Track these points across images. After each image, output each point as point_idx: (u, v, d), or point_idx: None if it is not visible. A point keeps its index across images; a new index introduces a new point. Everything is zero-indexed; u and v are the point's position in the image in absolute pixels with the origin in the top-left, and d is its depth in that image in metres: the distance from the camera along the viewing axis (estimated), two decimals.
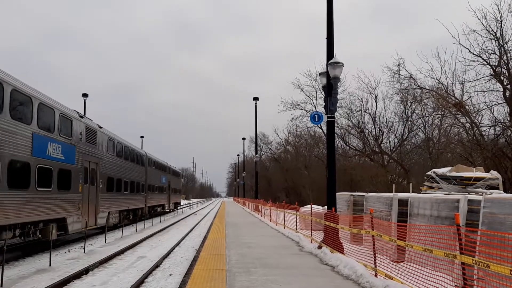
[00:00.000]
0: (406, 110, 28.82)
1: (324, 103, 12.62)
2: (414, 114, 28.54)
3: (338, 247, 10.72)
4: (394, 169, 30.37)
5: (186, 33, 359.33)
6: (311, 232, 14.56)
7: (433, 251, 6.10)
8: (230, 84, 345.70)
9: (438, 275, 6.09)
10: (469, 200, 8.21)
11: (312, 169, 40.06)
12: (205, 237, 16.35)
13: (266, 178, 58.45)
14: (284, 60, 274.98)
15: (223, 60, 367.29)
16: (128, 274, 10.64)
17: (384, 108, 32.71)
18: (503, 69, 19.33)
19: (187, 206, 62.97)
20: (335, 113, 12.71)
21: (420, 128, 28.92)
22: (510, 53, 18.86)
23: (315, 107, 34.66)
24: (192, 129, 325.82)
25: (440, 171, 12.03)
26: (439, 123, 27.06)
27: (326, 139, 13.41)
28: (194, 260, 10.82)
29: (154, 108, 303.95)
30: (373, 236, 8.31)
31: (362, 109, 31.43)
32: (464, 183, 11.10)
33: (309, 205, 17.02)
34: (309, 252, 11.88)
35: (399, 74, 24.51)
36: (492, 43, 19.16)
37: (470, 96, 21.44)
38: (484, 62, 19.45)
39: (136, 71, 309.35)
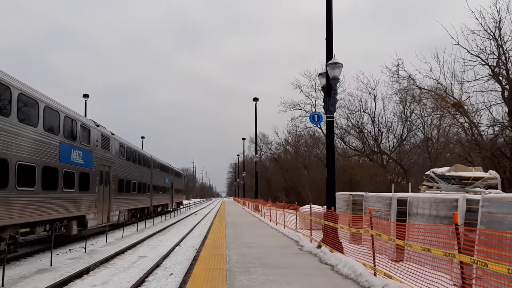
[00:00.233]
0: (405, 110, 28.90)
1: (323, 104, 12.67)
2: (413, 114, 28.63)
3: (337, 247, 10.77)
4: (393, 169, 30.43)
5: (186, 33, 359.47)
6: (311, 232, 14.61)
7: (431, 250, 6.15)
8: (230, 84, 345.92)
9: (437, 274, 6.14)
10: (467, 200, 8.26)
11: (312, 169, 40.10)
12: (205, 237, 16.40)
13: (266, 178, 58.49)
14: (284, 60, 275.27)
15: (223, 60, 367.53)
16: (128, 274, 10.69)
17: (383, 108, 32.71)
18: (501, 69, 19.41)
19: (187, 206, 63.00)
20: (335, 113, 12.77)
21: (419, 128, 29.01)
22: (508, 53, 18.93)
23: (314, 107, 34.70)
24: (192, 129, 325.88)
25: (439, 170, 12.09)
26: (438, 123, 27.16)
27: (326, 139, 13.46)
28: (195, 259, 10.87)
29: (154, 108, 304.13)
30: (372, 235, 8.36)
31: (361, 109, 31.52)
32: (463, 183, 11.15)
33: (309, 205, 17.07)
34: (308, 251, 11.93)
35: (398, 74, 24.59)
36: (490, 44, 19.26)
37: (469, 96, 21.54)
38: (483, 63, 19.53)
39: (136, 71, 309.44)
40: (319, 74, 13.45)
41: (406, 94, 26.80)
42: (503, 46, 18.90)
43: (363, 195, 14.07)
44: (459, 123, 22.82)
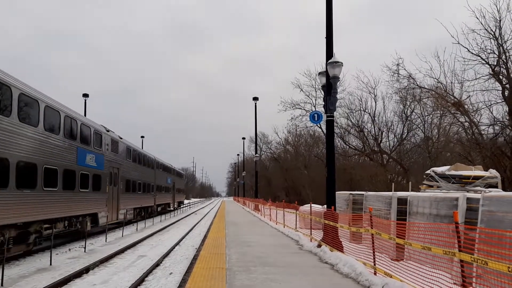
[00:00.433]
0: (405, 110, 28.90)
1: (323, 103, 12.65)
2: (413, 113, 28.62)
3: (337, 246, 10.75)
4: (394, 168, 30.42)
5: (186, 33, 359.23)
6: (311, 231, 14.60)
7: (432, 249, 6.13)
8: (230, 84, 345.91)
9: (437, 273, 6.12)
10: (468, 199, 8.25)
11: (312, 169, 40.11)
12: (205, 236, 16.39)
13: (266, 178, 58.52)
14: (284, 59, 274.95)
15: (223, 60, 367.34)
16: (128, 273, 10.67)
17: (384, 107, 32.89)
18: (501, 68, 19.39)
19: (187, 206, 63.01)
20: (335, 113, 12.75)
21: (419, 127, 29.01)
22: (508, 52, 18.92)
23: (314, 106, 34.68)
24: (192, 129, 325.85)
25: (439, 170, 12.08)
26: (438, 122, 27.14)
27: (326, 138, 13.44)
28: (194, 258, 10.85)
29: (154, 108, 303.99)
30: (372, 234, 8.35)
31: (362, 109, 31.52)
32: (463, 182, 11.14)
33: (309, 204, 17.06)
34: (308, 250, 11.92)
35: (398, 73, 24.58)
36: (491, 43, 19.24)
37: (469, 95, 21.53)
38: (483, 62, 19.51)
39: (136, 71, 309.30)
40: (319, 73, 13.43)
41: (407, 93, 26.81)
42: (504, 45, 18.90)
43: (363, 194, 14.05)
44: (459, 122, 22.81)
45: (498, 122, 20.56)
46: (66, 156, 15.10)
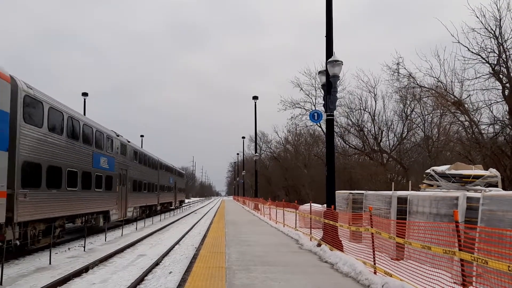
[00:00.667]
0: (405, 109, 28.86)
1: (323, 102, 12.63)
2: (413, 112, 28.58)
3: (337, 245, 10.75)
4: (394, 168, 30.40)
5: (186, 33, 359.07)
6: (311, 230, 14.59)
7: (432, 248, 6.12)
8: (230, 83, 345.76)
9: (437, 272, 6.11)
10: (468, 198, 8.23)
11: (312, 168, 40.10)
12: (205, 235, 16.38)
13: (265, 177, 58.48)
14: (283, 58, 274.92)
15: (223, 59, 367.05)
16: (128, 272, 10.65)
17: (384, 106, 32.74)
18: (502, 68, 19.34)
19: (187, 205, 62.99)
20: (335, 112, 12.73)
21: (419, 126, 28.97)
22: (509, 51, 18.88)
23: (314, 105, 34.60)
24: (192, 128, 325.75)
25: (439, 169, 12.06)
26: (438, 122, 27.11)
27: (326, 137, 13.43)
28: (194, 258, 10.85)
29: (154, 107, 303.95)
30: (372, 233, 8.33)
31: (362, 108, 31.46)
32: (463, 181, 11.12)
33: (309, 204, 17.05)
34: (308, 250, 11.91)
35: (398, 72, 24.52)
36: (491, 42, 19.18)
37: (469, 95, 21.48)
38: (483, 61, 19.46)
39: (136, 71, 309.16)
40: (319, 72, 13.42)
41: (407, 92, 26.77)
42: (504, 44, 18.85)
43: (363, 193, 14.04)
44: (459, 122, 22.78)
45: (498, 121, 20.54)
46: (84, 160, 16.99)
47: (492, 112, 20.68)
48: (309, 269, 8.96)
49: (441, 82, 22.62)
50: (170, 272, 10.30)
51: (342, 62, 12.01)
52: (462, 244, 5.64)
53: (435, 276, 6.02)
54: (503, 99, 19.65)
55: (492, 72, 19.40)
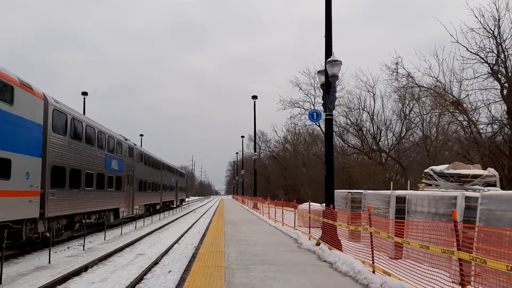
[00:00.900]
0: (404, 108, 28.91)
1: (322, 101, 12.65)
2: (412, 112, 28.63)
3: (336, 244, 10.77)
4: (392, 167, 30.45)
5: (186, 32, 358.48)
6: (310, 229, 14.61)
7: (430, 248, 6.14)
8: (230, 83, 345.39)
9: (436, 272, 6.13)
10: (466, 197, 8.26)
11: (311, 167, 40.13)
12: (204, 235, 16.39)
13: (264, 176, 58.47)
14: (283, 58, 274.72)
15: (223, 59, 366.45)
16: (127, 271, 10.67)
17: (382, 106, 32.74)
18: (500, 67, 19.38)
19: (186, 204, 62.96)
20: (334, 111, 12.74)
21: (418, 126, 29.01)
22: (507, 51, 18.91)
23: (313, 105, 34.60)
24: (191, 128, 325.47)
25: (438, 168, 12.09)
26: (436, 121, 27.16)
27: (325, 137, 13.45)
28: (193, 257, 10.85)
29: (154, 107, 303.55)
30: (371, 233, 8.36)
31: (360, 107, 31.50)
32: (462, 180, 11.15)
33: (308, 203, 17.07)
34: (307, 249, 11.92)
35: (397, 72, 24.54)
36: (489, 42, 19.21)
37: (468, 94, 21.51)
38: (482, 60, 19.49)
39: (136, 71, 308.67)
40: (318, 72, 13.44)
41: (405, 92, 26.81)
42: (502, 44, 18.88)
43: (361, 192, 14.06)
44: (458, 121, 22.82)
45: (496, 121, 20.58)
46: (99, 162, 18.98)
47: (490, 111, 20.75)
48: (308, 268, 8.98)
49: (439, 82, 22.67)
50: (169, 271, 10.32)
51: (341, 62, 12.03)
52: (460, 244, 5.66)
53: (434, 275, 6.04)
54: (501, 99, 19.69)
55: (490, 71, 19.44)
